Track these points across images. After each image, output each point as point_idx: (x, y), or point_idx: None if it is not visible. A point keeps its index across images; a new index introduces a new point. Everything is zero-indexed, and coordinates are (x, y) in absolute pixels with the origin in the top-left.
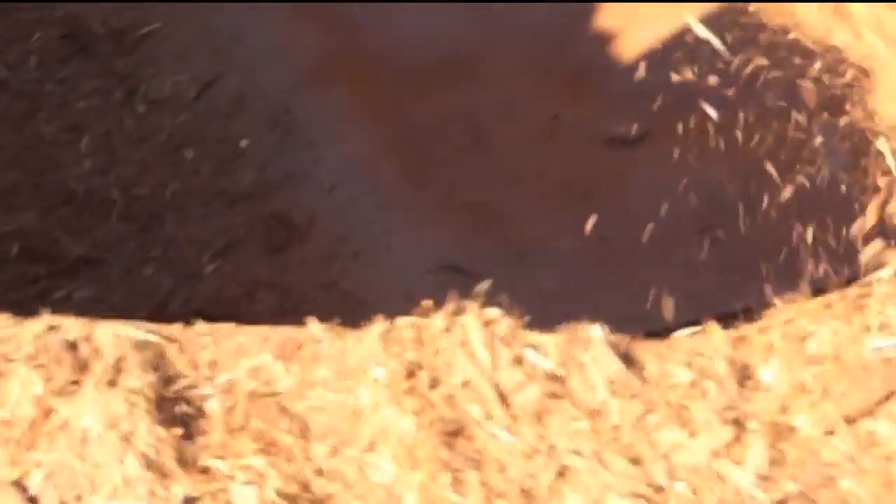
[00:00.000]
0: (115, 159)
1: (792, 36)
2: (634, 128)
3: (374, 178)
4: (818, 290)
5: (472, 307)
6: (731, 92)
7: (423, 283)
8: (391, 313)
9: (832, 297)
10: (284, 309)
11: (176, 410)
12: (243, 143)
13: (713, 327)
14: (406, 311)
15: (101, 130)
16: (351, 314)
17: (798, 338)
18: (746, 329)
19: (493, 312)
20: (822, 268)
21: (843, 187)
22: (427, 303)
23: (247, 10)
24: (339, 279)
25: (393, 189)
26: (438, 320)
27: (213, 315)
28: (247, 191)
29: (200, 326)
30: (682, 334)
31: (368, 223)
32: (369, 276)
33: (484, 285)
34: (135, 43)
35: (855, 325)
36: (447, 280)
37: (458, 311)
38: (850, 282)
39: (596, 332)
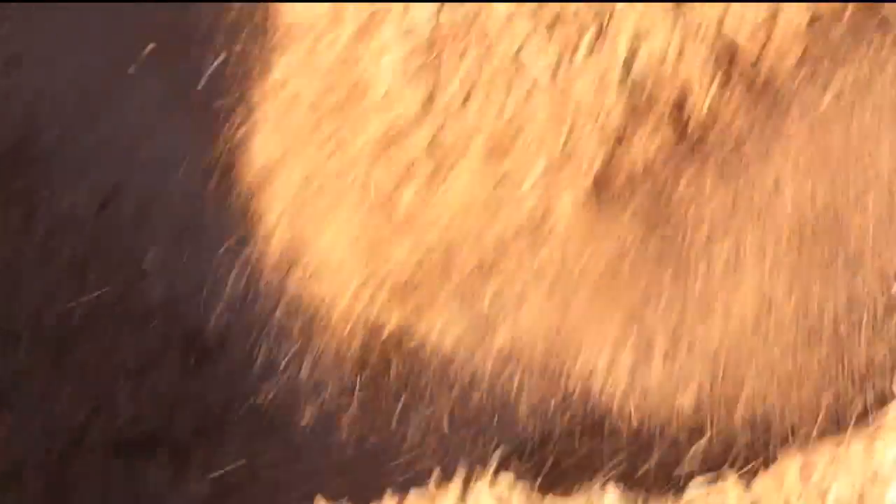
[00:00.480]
0: (19, 287)
1: None
2: None
3: (285, 283)
4: None
5: (484, 475)
6: None
7: (342, 388)
8: (312, 422)
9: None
10: (205, 428)
11: None
12: (149, 255)
13: (731, 475)
14: (326, 419)
15: (1, 258)
16: (271, 429)
17: (818, 494)
18: (762, 479)
19: (507, 478)
20: None
21: None
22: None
23: (139, 121)
24: (257, 392)
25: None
26: (452, 491)
27: (132, 441)
28: (157, 306)
29: None
30: (696, 493)
31: (283, 330)
32: (287, 385)
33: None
34: (28, 163)
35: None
36: (368, 380)
37: (469, 479)
38: None
39: (611, 498)
